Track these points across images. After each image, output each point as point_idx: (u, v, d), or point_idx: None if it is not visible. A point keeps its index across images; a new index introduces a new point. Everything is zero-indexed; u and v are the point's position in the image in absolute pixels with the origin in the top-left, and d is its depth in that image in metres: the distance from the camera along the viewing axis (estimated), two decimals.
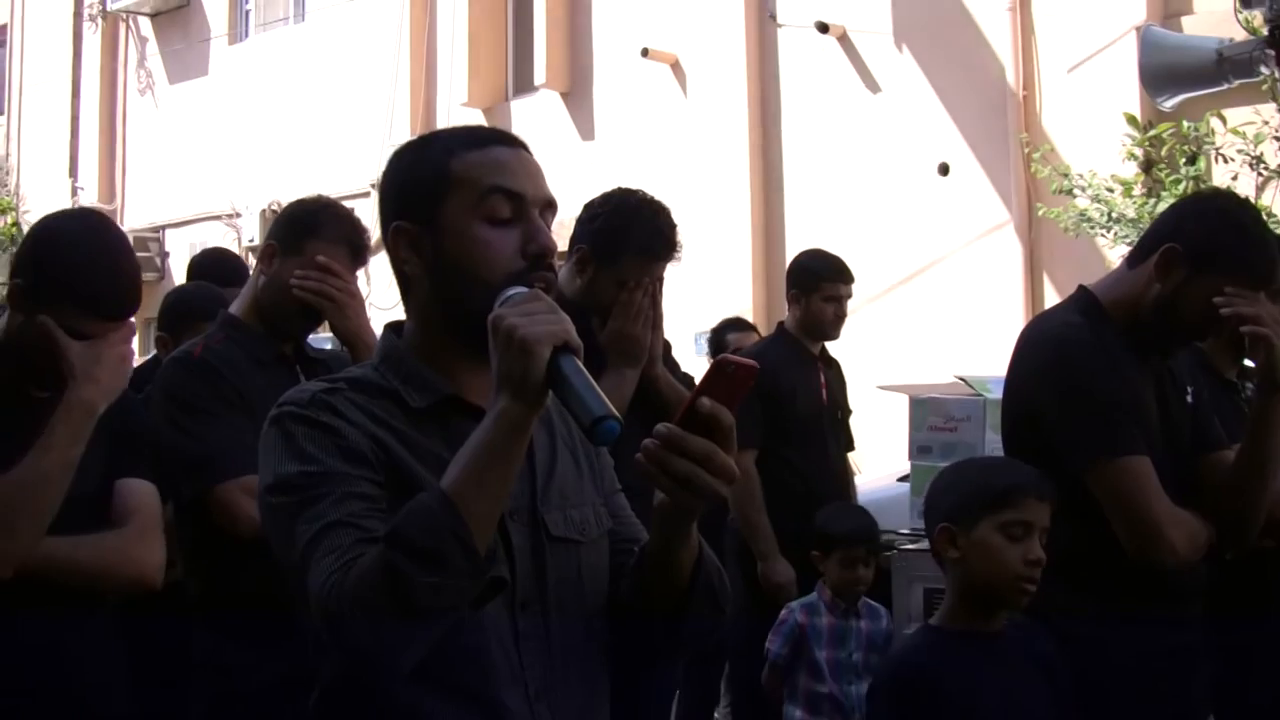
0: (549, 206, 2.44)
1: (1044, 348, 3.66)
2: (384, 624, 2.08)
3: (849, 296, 6.87)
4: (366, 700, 2.30)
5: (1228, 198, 4.00)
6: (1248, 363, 4.12)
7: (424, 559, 2.05)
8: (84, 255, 3.24)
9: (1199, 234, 3.59)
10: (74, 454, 3.18)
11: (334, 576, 2.11)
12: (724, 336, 8.36)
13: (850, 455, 7.19)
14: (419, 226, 2.42)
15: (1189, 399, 3.77)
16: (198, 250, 6.55)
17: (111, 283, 3.26)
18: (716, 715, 7.57)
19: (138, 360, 4.35)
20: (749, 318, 12.13)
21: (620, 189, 4.55)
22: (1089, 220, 11.28)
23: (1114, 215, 11.06)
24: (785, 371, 6.51)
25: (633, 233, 4.38)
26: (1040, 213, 12.11)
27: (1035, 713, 3.39)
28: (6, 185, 23.80)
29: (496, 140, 2.46)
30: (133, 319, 3.38)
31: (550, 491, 2.46)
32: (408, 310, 2.50)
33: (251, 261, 4.11)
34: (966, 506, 3.43)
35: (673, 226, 4.47)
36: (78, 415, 3.19)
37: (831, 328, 6.82)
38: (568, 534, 2.44)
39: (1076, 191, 11.43)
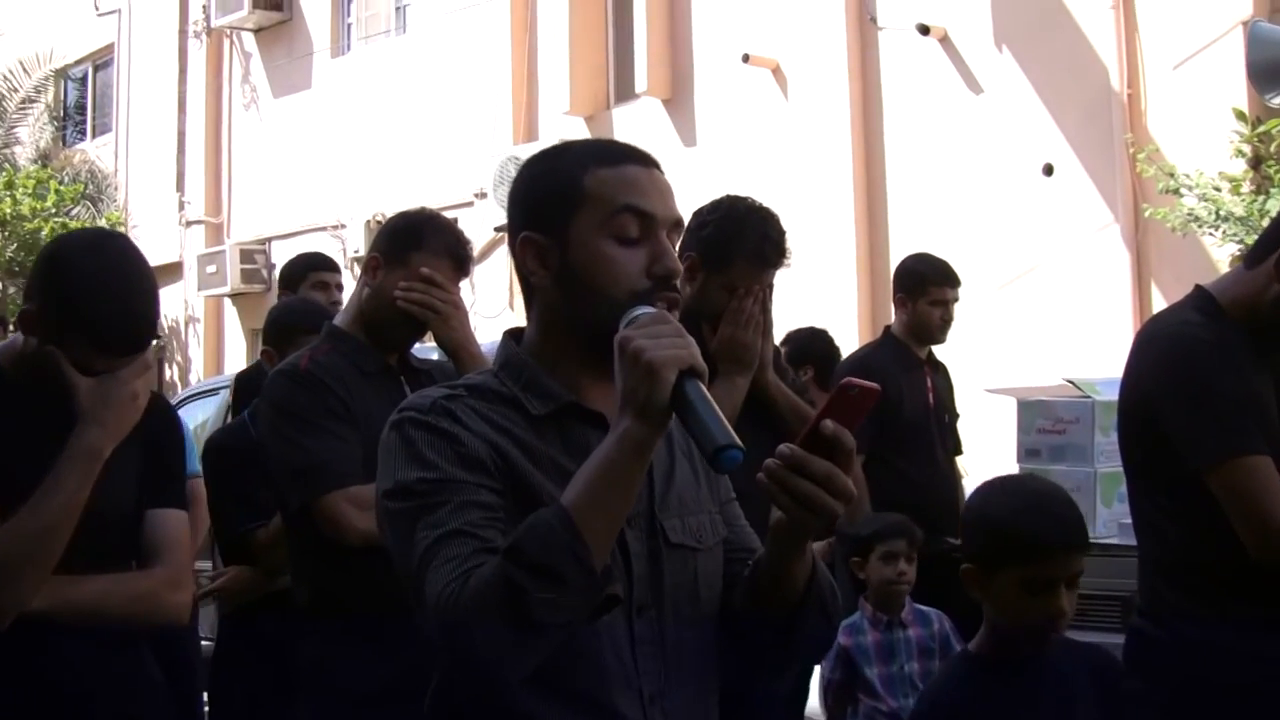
0: (676, 226, 2.47)
1: (1162, 346, 3.61)
2: (499, 635, 2.11)
3: (956, 300, 6.86)
4: (479, 702, 2.34)
5: None
6: None
7: (542, 575, 2.09)
8: (93, 288, 3.14)
9: None
10: (79, 499, 3.12)
11: (451, 585, 2.15)
12: None
13: (958, 459, 7.15)
14: (547, 238, 2.45)
15: None
16: None
17: (121, 319, 3.18)
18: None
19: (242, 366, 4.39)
20: (854, 322, 12.12)
21: (729, 196, 4.57)
22: (1197, 220, 11.14)
23: (1222, 214, 10.93)
24: (892, 376, 6.50)
25: (743, 239, 4.39)
26: (1147, 214, 11.98)
27: None
28: (115, 201, 24.12)
29: (629, 158, 2.48)
30: (148, 353, 3.33)
31: (669, 499, 2.48)
32: (529, 318, 2.53)
33: (357, 273, 4.15)
34: (987, 554, 3.28)
35: (782, 233, 4.48)
36: (83, 459, 3.13)
37: (938, 331, 6.83)
38: (685, 541, 2.47)
39: (1183, 191, 11.30)
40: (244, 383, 5.95)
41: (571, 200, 2.43)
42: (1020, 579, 3.21)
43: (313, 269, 6.46)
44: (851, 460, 2.15)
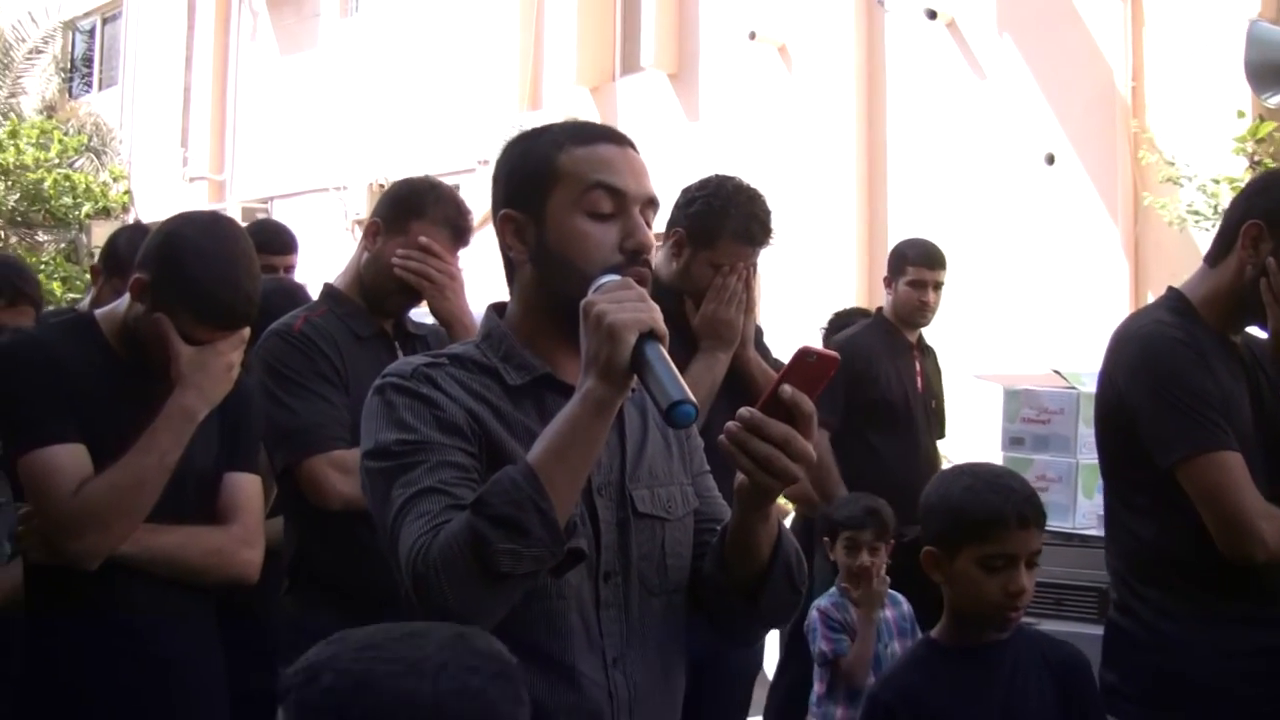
0: (650, 204, 2.54)
1: (1136, 345, 3.64)
2: (465, 585, 2.18)
3: (938, 284, 6.82)
4: None
5: None
6: None
7: (506, 527, 2.16)
8: (206, 266, 3.34)
9: (1274, 202, 3.57)
10: (172, 459, 3.35)
11: (422, 539, 2.23)
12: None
13: (939, 444, 7.16)
14: (525, 215, 2.53)
15: None
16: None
17: (228, 296, 3.37)
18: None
19: None
20: (852, 302, 12.08)
21: (718, 175, 4.62)
22: (1195, 213, 11.13)
23: (1218, 209, 10.91)
24: (878, 357, 6.53)
25: (729, 218, 4.44)
26: (1147, 202, 11.95)
27: None
28: (119, 154, 24.13)
29: (604, 137, 2.56)
30: (245, 330, 3.51)
31: (640, 470, 2.57)
32: (511, 293, 2.61)
33: (358, 236, 4.16)
34: (947, 535, 3.34)
35: (768, 213, 4.52)
36: (178, 421, 3.36)
37: (916, 313, 6.78)
38: (654, 511, 2.55)
39: (1183, 181, 11.27)
40: None
41: (547, 178, 2.50)
42: (980, 557, 3.27)
43: (261, 250, 6.17)
44: (810, 425, 2.22)
